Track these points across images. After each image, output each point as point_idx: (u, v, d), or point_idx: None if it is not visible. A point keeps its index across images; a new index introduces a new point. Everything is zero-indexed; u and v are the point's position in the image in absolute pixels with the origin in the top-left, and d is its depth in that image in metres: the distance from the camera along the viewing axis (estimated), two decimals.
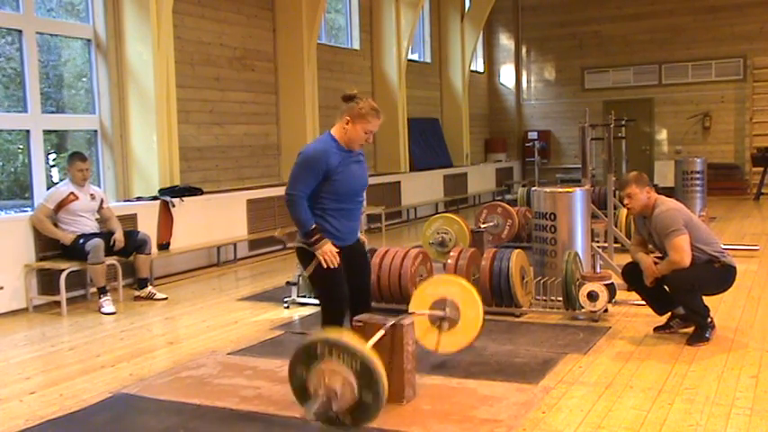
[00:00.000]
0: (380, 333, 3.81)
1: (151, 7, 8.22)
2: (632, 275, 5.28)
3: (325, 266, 3.91)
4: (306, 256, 4.01)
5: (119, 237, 6.91)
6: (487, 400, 4.01)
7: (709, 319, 5.04)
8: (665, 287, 5.10)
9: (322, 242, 3.91)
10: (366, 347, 3.34)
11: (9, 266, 6.63)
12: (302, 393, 3.39)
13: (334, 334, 3.38)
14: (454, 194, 15.17)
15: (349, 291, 4.05)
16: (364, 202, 4.11)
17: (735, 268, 5.09)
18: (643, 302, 6.03)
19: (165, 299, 7.06)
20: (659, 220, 5.00)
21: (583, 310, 5.66)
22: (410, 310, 4.35)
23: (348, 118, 3.93)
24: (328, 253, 3.91)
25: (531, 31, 18.37)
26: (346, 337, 3.35)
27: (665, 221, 4.95)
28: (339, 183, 3.93)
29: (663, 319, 5.34)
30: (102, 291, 6.66)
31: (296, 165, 3.93)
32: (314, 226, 3.92)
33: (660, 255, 5.17)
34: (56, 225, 6.78)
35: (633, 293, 6.45)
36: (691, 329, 5.10)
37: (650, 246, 5.30)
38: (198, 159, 9.56)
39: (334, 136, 4.00)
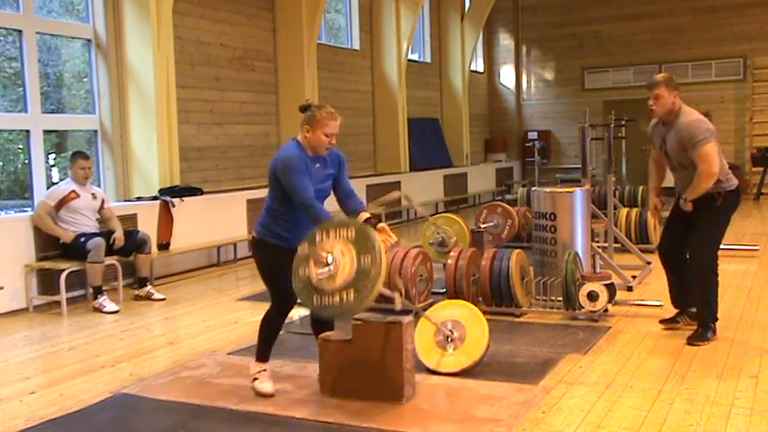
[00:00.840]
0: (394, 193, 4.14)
1: (151, 7, 8.22)
2: (668, 251, 5.24)
3: (392, 241, 4.03)
4: (257, 249, 4.24)
5: (119, 235, 6.92)
6: (487, 399, 4.01)
7: (715, 321, 5.04)
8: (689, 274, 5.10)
9: (378, 224, 4.02)
10: (383, 259, 3.58)
11: (9, 266, 6.64)
12: (308, 290, 3.70)
13: (370, 230, 3.71)
14: (454, 194, 15.17)
15: None
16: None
17: (738, 190, 5.02)
18: (643, 303, 6.06)
19: (164, 299, 7.06)
20: (685, 130, 4.85)
21: (583, 310, 5.66)
22: (426, 315, 4.57)
23: (308, 127, 4.07)
24: (387, 230, 3.98)
25: (531, 31, 18.36)
26: (377, 239, 3.65)
27: (692, 131, 4.82)
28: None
29: (669, 313, 5.37)
30: (99, 291, 6.66)
31: (285, 173, 3.98)
32: (327, 216, 4.00)
33: (674, 168, 5.09)
34: (56, 223, 6.78)
35: (633, 293, 6.48)
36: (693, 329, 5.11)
37: (666, 162, 5.19)
38: (198, 159, 9.56)
39: (301, 143, 4.13)
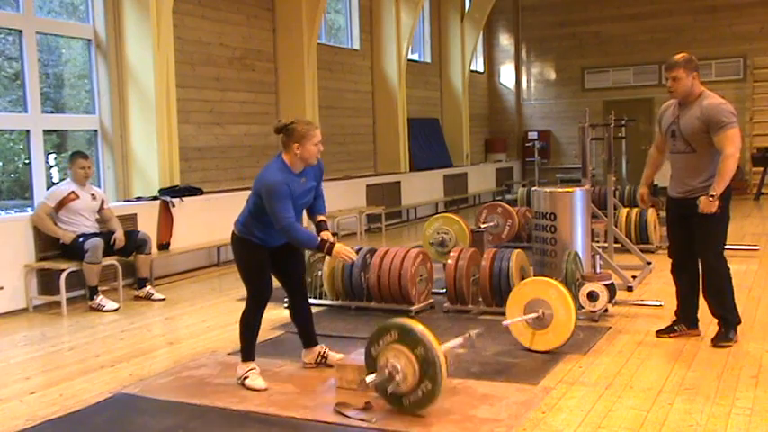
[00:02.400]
0: (458, 340, 4.13)
1: (151, 7, 8.22)
2: (678, 258, 5.09)
3: (349, 261, 4.53)
4: (237, 246, 4.39)
5: (119, 236, 6.92)
6: (487, 399, 4.00)
7: (738, 321, 4.97)
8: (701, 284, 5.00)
9: (334, 247, 4.28)
10: (433, 339, 3.69)
11: (9, 266, 6.64)
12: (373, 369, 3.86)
13: (407, 321, 3.82)
14: (454, 194, 15.17)
15: (285, 280, 4.58)
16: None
17: (730, 185, 4.84)
18: (643, 303, 6.06)
19: (163, 299, 7.06)
20: (713, 111, 4.73)
21: (583, 310, 5.65)
22: (506, 319, 4.92)
23: (296, 144, 4.19)
24: (342, 252, 4.29)
25: (531, 31, 18.36)
26: (417, 326, 3.76)
27: (720, 113, 4.71)
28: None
29: (666, 321, 5.32)
30: (95, 291, 6.67)
31: (269, 199, 4.12)
32: (319, 238, 4.29)
33: (679, 150, 4.89)
34: (56, 224, 6.78)
35: (633, 293, 6.48)
36: (694, 337, 5.04)
37: (671, 145, 4.98)
38: (198, 159, 9.56)
39: (286, 162, 4.23)
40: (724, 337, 4.90)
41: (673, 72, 4.82)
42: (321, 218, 4.47)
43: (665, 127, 5.03)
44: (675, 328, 5.16)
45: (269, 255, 4.39)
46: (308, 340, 4.70)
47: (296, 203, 4.22)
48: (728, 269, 4.93)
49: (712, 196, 4.68)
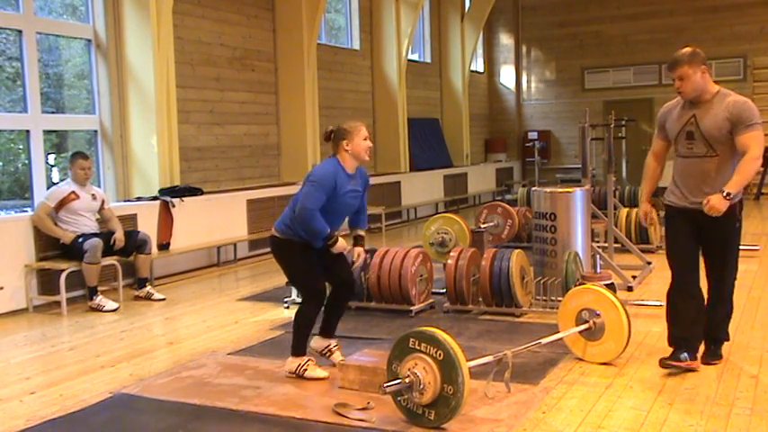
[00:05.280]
0: (488, 359, 3.99)
1: (151, 7, 8.22)
2: (684, 284, 4.44)
3: (355, 259, 4.60)
4: (284, 249, 4.45)
5: (119, 236, 6.92)
6: (487, 399, 4.00)
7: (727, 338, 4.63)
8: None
9: (338, 241, 4.41)
10: (456, 347, 3.57)
11: (9, 266, 6.64)
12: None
13: (425, 329, 3.71)
14: (454, 194, 15.18)
15: (334, 280, 4.59)
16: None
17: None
18: (643, 303, 6.06)
19: (163, 299, 7.06)
20: (742, 109, 4.21)
21: None
22: (559, 334, 4.70)
23: (345, 141, 4.39)
24: (340, 247, 4.42)
25: (531, 31, 18.37)
26: (437, 332, 3.65)
27: (749, 111, 4.20)
28: (331, 204, 4.33)
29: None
30: (94, 291, 6.67)
31: (310, 183, 4.31)
32: (329, 230, 4.35)
33: (696, 155, 4.30)
34: (56, 224, 6.78)
35: (633, 293, 6.48)
36: (695, 364, 4.39)
37: (684, 149, 4.37)
38: (198, 159, 9.56)
39: (340, 161, 4.41)
40: (714, 353, 4.56)
41: (678, 71, 4.30)
42: (361, 233, 4.67)
43: (675, 130, 4.42)
44: (680, 357, 4.38)
45: (315, 255, 4.44)
46: (328, 331, 4.71)
47: (340, 201, 4.35)
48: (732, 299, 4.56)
49: (728, 194, 4.08)
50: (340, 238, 4.41)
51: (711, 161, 4.27)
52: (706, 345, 4.55)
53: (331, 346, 4.69)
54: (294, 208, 4.36)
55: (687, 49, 4.39)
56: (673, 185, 4.49)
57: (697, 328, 4.42)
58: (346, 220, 4.63)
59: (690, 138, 4.33)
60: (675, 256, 4.47)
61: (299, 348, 4.49)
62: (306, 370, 4.44)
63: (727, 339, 4.66)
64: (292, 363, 4.49)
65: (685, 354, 4.34)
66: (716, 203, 4.09)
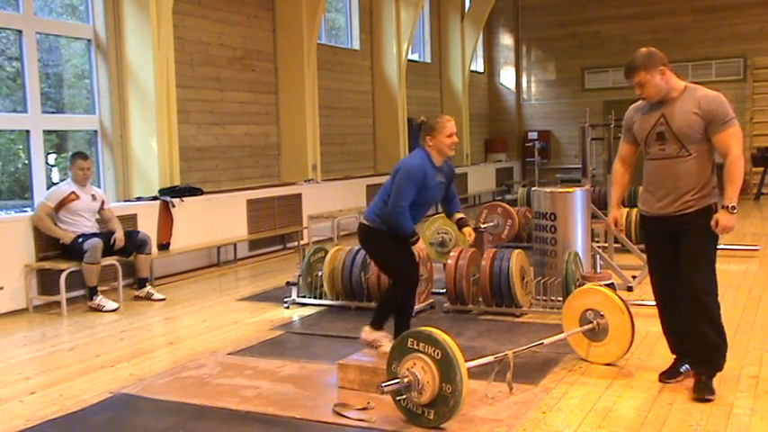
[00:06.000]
0: (488, 359, 4.00)
1: (151, 7, 8.22)
2: (672, 296, 4.21)
3: (417, 259, 4.66)
4: (373, 237, 4.60)
5: (119, 236, 6.92)
6: (487, 399, 4.00)
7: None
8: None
9: (419, 241, 4.54)
10: (454, 346, 3.58)
11: (9, 266, 6.63)
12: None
13: (424, 329, 3.74)
14: None
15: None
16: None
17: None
18: (643, 303, 6.05)
19: (163, 299, 7.06)
20: (714, 105, 3.94)
21: None
22: (561, 334, 4.72)
23: (429, 136, 4.52)
24: (421, 247, 4.56)
25: (531, 31, 18.37)
26: (435, 332, 3.67)
27: (722, 107, 3.93)
28: (419, 196, 4.47)
29: (666, 363, 4.45)
30: (94, 291, 6.67)
31: (401, 178, 4.44)
32: (414, 229, 4.52)
33: (668, 156, 4.05)
34: (56, 224, 6.78)
35: (633, 293, 6.48)
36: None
37: (654, 151, 4.13)
38: (198, 159, 9.56)
39: (428, 153, 4.54)
40: (706, 387, 3.99)
41: (634, 78, 4.17)
42: (460, 215, 4.82)
43: (644, 131, 4.20)
44: (681, 370, 4.26)
45: (402, 244, 4.54)
46: (399, 329, 4.67)
47: (427, 193, 4.51)
48: (717, 297, 4.04)
49: (733, 208, 3.81)
50: (420, 242, 4.53)
51: (685, 162, 4.01)
52: (695, 376, 4.10)
53: (379, 341, 4.60)
54: (385, 199, 4.50)
55: (641, 52, 4.21)
56: (644, 192, 4.22)
57: (685, 339, 4.19)
58: (435, 210, 4.67)
59: (661, 138, 4.09)
60: (656, 268, 4.26)
61: (379, 323, 4.59)
62: (381, 346, 4.48)
63: (720, 370, 4.08)
64: (370, 334, 4.57)
65: (686, 366, 4.22)
66: (725, 222, 3.85)
